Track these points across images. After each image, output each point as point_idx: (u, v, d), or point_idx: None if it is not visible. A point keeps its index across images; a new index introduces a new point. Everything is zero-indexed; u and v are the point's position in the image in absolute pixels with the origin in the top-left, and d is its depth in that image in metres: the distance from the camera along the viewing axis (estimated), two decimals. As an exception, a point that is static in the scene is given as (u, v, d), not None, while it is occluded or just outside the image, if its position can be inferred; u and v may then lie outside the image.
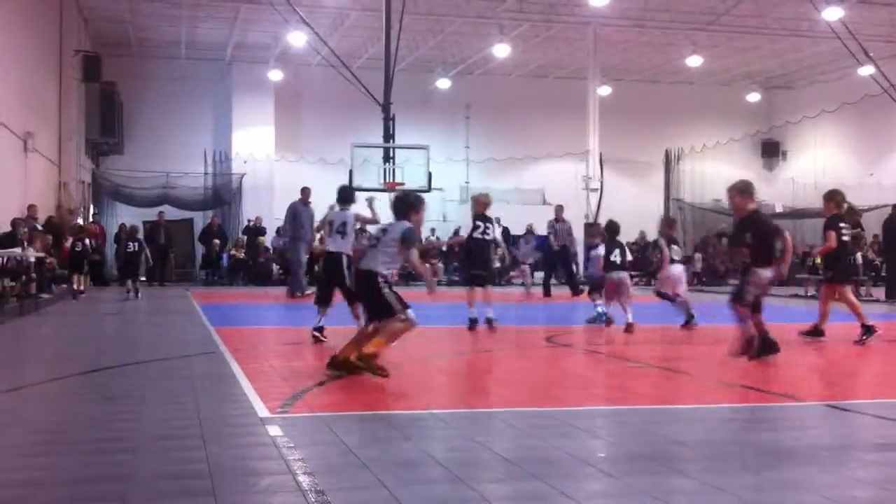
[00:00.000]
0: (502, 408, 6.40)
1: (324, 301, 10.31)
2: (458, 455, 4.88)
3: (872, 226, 24.56)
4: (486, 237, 12.28)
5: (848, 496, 4.13)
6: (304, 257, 20.33)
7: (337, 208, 10.65)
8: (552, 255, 22.34)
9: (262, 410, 6.00)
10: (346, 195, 10.74)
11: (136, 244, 21.86)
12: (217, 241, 28.45)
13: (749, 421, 6.18)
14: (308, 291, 18.62)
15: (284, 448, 4.89)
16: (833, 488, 4.23)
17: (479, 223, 12.24)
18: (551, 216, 22.40)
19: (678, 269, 13.18)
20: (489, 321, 12.08)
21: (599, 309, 13.23)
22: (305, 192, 19.41)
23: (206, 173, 31.43)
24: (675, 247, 13.34)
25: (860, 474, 4.58)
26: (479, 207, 12.49)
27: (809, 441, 5.31)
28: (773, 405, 6.69)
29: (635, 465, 4.67)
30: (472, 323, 11.97)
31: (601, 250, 12.93)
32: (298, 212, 19.18)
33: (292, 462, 4.58)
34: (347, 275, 10.00)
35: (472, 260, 12.47)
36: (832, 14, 23.61)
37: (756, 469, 4.68)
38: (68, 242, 22.40)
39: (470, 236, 12.33)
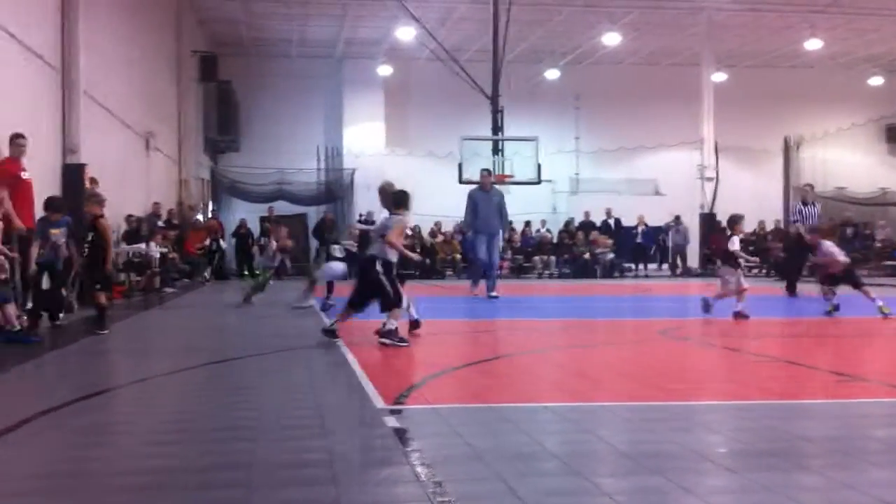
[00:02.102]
0: (617, 401, 6.33)
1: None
2: (574, 448, 4.85)
3: None
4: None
5: None
6: (485, 252, 17.25)
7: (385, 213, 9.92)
8: (798, 247, 18.09)
9: (378, 402, 6.07)
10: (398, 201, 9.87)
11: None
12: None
13: (880, 416, 5.94)
14: (476, 290, 17.15)
15: (402, 439, 4.95)
16: (971, 488, 4.04)
17: None
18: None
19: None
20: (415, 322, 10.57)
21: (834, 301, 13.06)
22: (483, 175, 17.84)
23: (318, 169, 32.06)
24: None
25: None
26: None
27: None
28: (903, 400, 6.43)
29: (758, 460, 4.55)
30: (415, 324, 10.35)
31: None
32: (476, 200, 17.23)
33: (410, 453, 4.62)
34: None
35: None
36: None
37: (888, 466, 4.51)
38: (206, 241, 23.57)
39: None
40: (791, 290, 18.02)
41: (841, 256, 13.28)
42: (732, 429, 5.51)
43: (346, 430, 5.30)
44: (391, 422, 5.38)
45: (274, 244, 16.61)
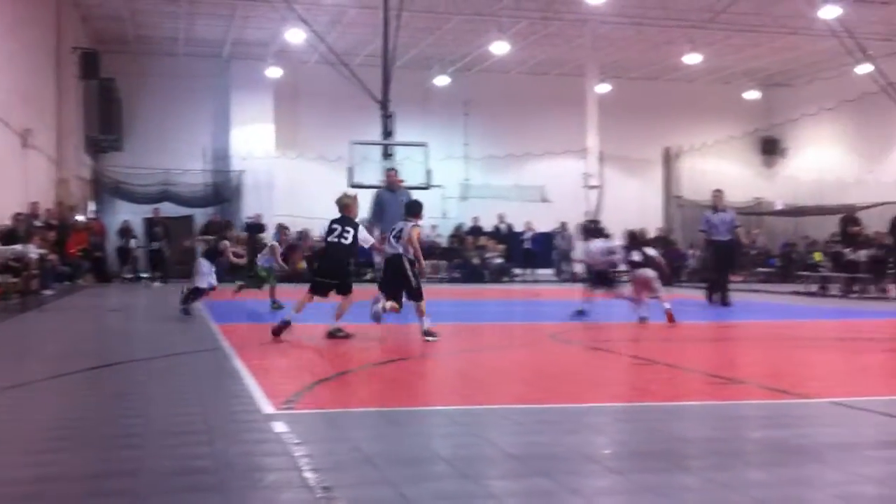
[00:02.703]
0: (507, 404, 6.42)
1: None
2: (464, 451, 4.89)
3: (873, 223, 24.19)
4: (343, 241, 10.72)
5: (855, 493, 4.13)
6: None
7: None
8: (713, 253, 17.99)
9: (266, 407, 6.00)
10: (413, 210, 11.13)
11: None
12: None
13: (755, 418, 6.18)
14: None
15: (290, 444, 4.91)
16: (840, 485, 4.24)
17: (335, 226, 10.79)
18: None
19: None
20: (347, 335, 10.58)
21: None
22: (389, 175, 16.72)
23: (205, 170, 31.43)
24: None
25: (867, 471, 4.58)
26: (344, 210, 11.05)
27: (816, 438, 5.31)
28: (779, 402, 6.68)
29: (641, 462, 4.68)
30: (285, 324, 10.36)
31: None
32: (383, 200, 16.03)
33: (298, 458, 4.58)
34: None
35: (323, 265, 11.11)
36: (829, 12, 23.66)
37: (762, 466, 4.70)
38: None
39: (325, 240, 11.04)
40: (723, 299, 17.31)
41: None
42: (616, 431, 5.66)
43: (233, 436, 5.22)
44: (279, 426, 5.33)
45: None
